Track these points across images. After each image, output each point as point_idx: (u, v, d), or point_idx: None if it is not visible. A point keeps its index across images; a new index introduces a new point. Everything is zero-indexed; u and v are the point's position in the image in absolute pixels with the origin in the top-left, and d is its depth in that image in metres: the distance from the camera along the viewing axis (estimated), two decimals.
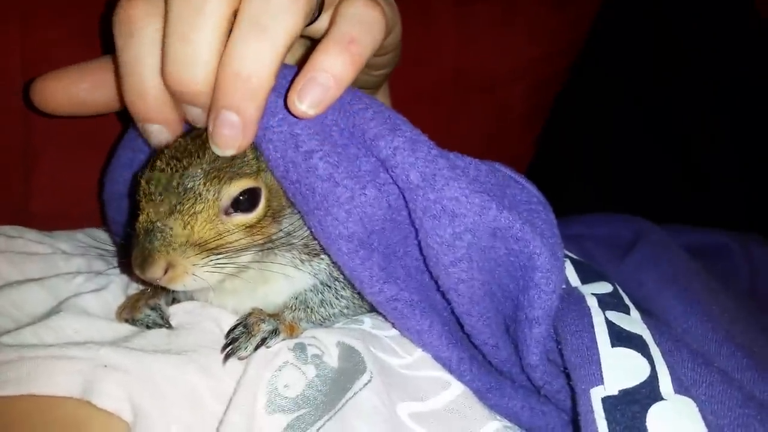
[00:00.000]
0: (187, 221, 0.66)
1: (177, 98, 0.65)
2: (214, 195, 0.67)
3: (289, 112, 0.65)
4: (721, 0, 1.45)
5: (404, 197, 0.67)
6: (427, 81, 1.20)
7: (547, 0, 1.31)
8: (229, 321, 0.71)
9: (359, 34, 0.64)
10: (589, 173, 1.45)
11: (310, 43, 0.81)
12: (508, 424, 0.71)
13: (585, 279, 0.80)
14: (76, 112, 0.77)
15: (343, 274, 0.72)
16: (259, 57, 0.60)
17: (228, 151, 0.65)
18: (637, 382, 0.63)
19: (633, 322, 0.70)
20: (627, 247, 0.97)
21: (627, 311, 0.73)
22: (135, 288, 0.78)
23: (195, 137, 0.70)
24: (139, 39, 0.64)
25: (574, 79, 1.43)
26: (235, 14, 0.62)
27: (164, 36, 0.62)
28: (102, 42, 0.92)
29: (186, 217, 0.66)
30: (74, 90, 0.75)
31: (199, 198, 0.66)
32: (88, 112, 0.78)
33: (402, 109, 0.74)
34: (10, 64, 0.90)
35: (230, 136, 0.63)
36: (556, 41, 1.34)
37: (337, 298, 0.77)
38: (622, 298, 0.76)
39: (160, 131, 0.70)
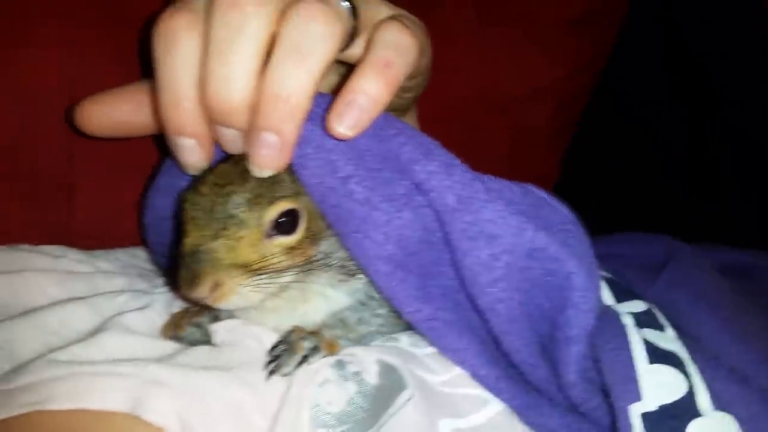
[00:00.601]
0: (232, 246, 0.68)
1: (213, 117, 0.67)
2: (256, 221, 0.69)
3: (328, 137, 0.67)
4: (746, 17, 1.46)
5: (440, 220, 0.69)
6: (449, 101, 1.22)
7: (569, 20, 1.32)
8: (271, 338, 0.73)
9: (394, 58, 0.66)
10: (615, 194, 1.46)
11: (344, 69, 0.83)
12: None
13: (619, 298, 0.81)
14: (119, 134, 0.80)
15: (379, 294, 0.74)
16: (297, 79, 0.63)
17: (266, 172, 0.67)
18: (676, 398, 0.64)
19: (669, 339, 0.71)
20: (657, 266, 0.97)
21: (662, 329, 0.73)
22: (178, 306, 0.80)
23: (236, 162, 0.72)
24: (178, 53, 0.65)
25: (597, 99, 1.44)
26: (273, 36, 0.64)
27: (204, 53, 0.65)
28: (141, 62, 0.95)
29: (230, 242, 0.68)
30: (116, 112, 0.78)
31: (242, 224, 0.69)
32: (129, 134, 0.80)
33: (425, 129, 0.76)
34: (51, 85, 0.93)
35: (269, 157, 0.65)
36: (578, 61, 1.35)
37: (373, 317, 0.79)
38: (656, 316, 0.76)
39: (192, 148, 0.70)
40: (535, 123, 1.36)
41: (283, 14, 0.64)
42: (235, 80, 0.63)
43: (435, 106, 1.11)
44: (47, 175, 0.96)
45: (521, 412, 0.73)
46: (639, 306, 0.78)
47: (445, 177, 0.68)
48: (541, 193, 0.78)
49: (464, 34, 1.24)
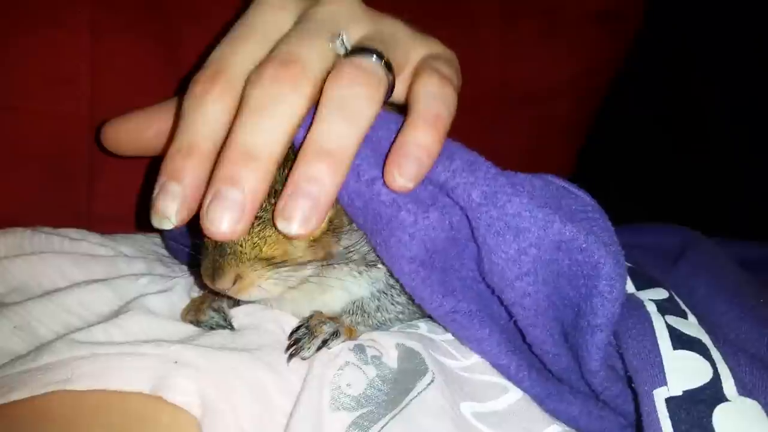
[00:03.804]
0: (257, 243, 0.69)
1: (225, 171, 0.62)
2: None
3: (387, 186, 0.66)
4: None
5: (467, 216, 0.69)
6: (470, 93, 1.21)
7: (590, 15, 1.32)
8: (290, 322, 0.74)
9: (441, 111, 0.68)
10: (632, 186, 1.45)
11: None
12: (567, 428, 0.71)
13: (640, 286, 0.80)
14: (142, 154, 0.82)
15: (399, 282, 0.74)
16: (343, 137, 0.63)
17: (293, 228, 0.62)
18: (701, 384, 0.63)
19: (691, 326, 0.71)
20: (675, 256, 0.97)
21: (685, 316, 0.73)
22: (198, 291, 0.80)
23: None
24: (208, 109, 0.64)
25: (616, 93, 1.44)
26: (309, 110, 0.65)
27: (237, 112, 0.64)
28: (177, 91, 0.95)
29: (255, 239, 0.69)
30: (140, 137, 0.80)
31: (268, 224, 0.68)
32: (152, 154, 0.81)
33: None
34: (81, 71, 0.93)
35: (305, 209, 0.62)
36: (598, 55, 1.35)
37: (392, 304, 0.79)
38: (678, 303, 0.76)
39: (175, 197, 0.62)
40: (555, 116, 1.36)
41: (323, 83, 0.65)
42: (265, 136, 0.62)
43: (458, 98, 1.11)
44: (69, 160, 0.97)
45: (541, 399, 0.73)
46: (661, 293, 0.77)
47: (469, 174, 0.68)
48: (561, 182, 0.77)
49: (488, 27, 1.25)
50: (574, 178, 1.43)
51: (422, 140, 0.66)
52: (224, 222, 0.61)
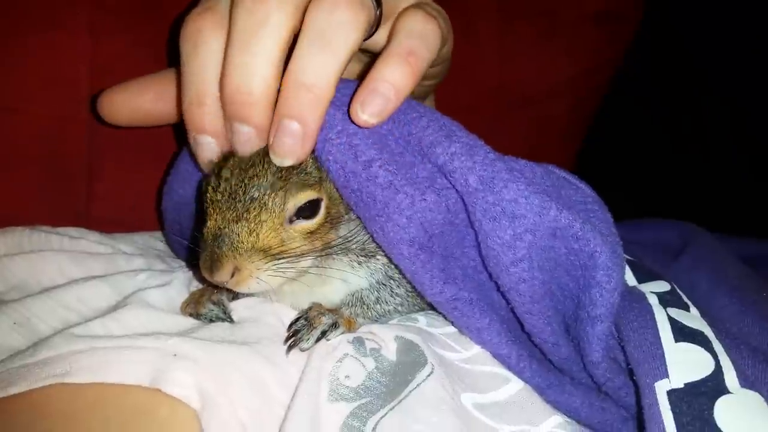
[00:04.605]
0: (253, 228, 0.69)
1: (232, 111, 0.67)
2: (279, 205, 0.69)
3: (351, 122, 0.67)
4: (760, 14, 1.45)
5: (463, 201, 0.69)
6: (469, 94, 1.22)
7: (588, 16, 1.32)
8: (290, 315, 0.73)
9: (417, 47, 0.67)
10: (631, 186, 1.45)
11: (366, 58, 0.83)
12: (568, 419, 0.71)
13: (641, 279, 0.80)
14: (140, 123, 0.82)
15: (399, 273, 0.74)
16: (322, 69, 0.63)
17: (286, 161, 0.67)
18: (703, 376, 0.63)
19: (693, 318, 0.70)
20: (675, 251, 0.97)
21: (687, 308, 0.73)
22: (197, 285, 0.80)
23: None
24: (204, 51, 0.67)
25: (615, 93, 1.44)
26: (296, 29, 0.64)
27: (226, 46, 0.65)
28: (168, 52, 0.95)
29: (252, 225, 0.69)
30: (138, 102, 0.80)
31: (264, 207, 0.69)
32: (150, 123, 0.82)
33: None
34: (80, 73, 0.94)
35: (291, 145, 0.65)
36: (597, 56, 1.35)
37: (392, 296, 0.79)
38: (680, 296, 0.76)
39: (210, 145, 0.71)
40: (554, 117, 1.36)
41: (307, 7, 0.64)
42: (256, 70, 0.63)
43: (456, 98, 1.12)
44: (68, 162, 0.97)
45: (542, 390, 0.72)
46: (662, 286, 0.77)
47: (467, 158, 0.67)
48: (563, 173, 0.77)
49: (485, 27, 1.25)
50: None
51: (390, 76, 0.65)
52: (247, 149, 0.69)
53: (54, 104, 0.95)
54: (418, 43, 0.67)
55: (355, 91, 0.66)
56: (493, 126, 1.28)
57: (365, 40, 0.70)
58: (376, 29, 0.71)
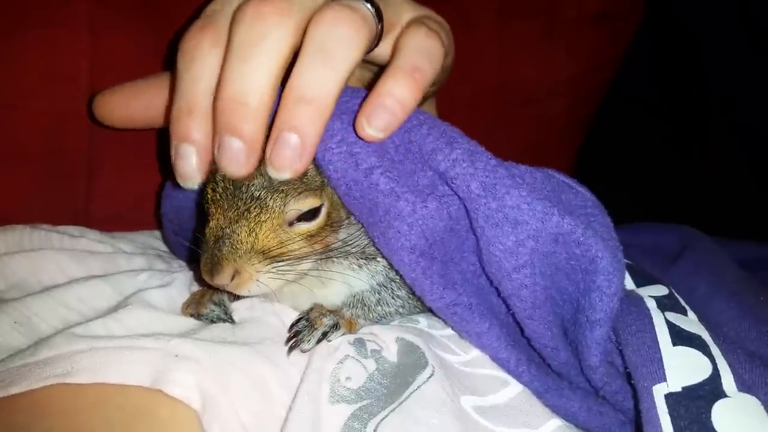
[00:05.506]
0: (253, 228, 0.69)
1: (223, 122, 0.64)
2: (280, 207, 0.69)
3: (350, 130, 0.67)
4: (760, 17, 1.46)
5: (465, 207, 0.69)
6: (468, 93, 1.22)
7: (588, 16, 1.32)
8: (291, 316, 0.74)
9: (422, 63, 0.68)
10: (631, 186, 1.45)
11: (368, 68, 0.83)
12: (566, 422, 0.71)
13: (639, 283, 0.80)
14: (134, 126, 0.82)
15: (400, 275, 0.74)
16: (323, 83, 0.63)
17: (283, 174, 0.65)
18: (700, 380, 0.63)
19: (691, 322, 0.71)
20: (673, 255, 0.97)
21: (685, 313, 0.73)
22: (197, 285, 0.80)
23: None
24: (200, 64, 0.66)
25: (614, 93, 1.44)
26: (296, 47, 0.64)
27: (225, 59, 0.64)
28: (168, 54, 0.95)
29: (252, 224, 0.69)
30: (131, 106, 0.80)
31: (265, 207, 0.69)
32: (144, 127, 0.82)
33: (445, 120, 0.76)
34: (80, 70, 0.93)
35: (289, 158, 0.64)
36: (596, 56, 1.36)
37: (393, 298, 0.79)
38: (678, 300, 0.76)
39: (191, 157, 0.67)
40: (553, 116, 1.36)
41: (308, 23, 0.64)
42: (253, 81, 0.63)
43: (455, 97, 1.12)
44: (68, 158, 0.97)
45: (541, 394, 0.73)
46: (661, 290, 0.78)
47: (469, 164, 0.67)
48: (562, 177, 0.77)
49: (485, 27, 1.25)
50: (572, 177, 1.43)
51: (396, 91, 0.65)
52: (232, 167, 0.65)
53: (53, 101, 0.95)
54: (422, 59, 0.68)
55: (361, 104, 0.66)
56: (492, 125, 1.28)
57: (367, 54, 0.70)
58: (377, 43, 0.72)
